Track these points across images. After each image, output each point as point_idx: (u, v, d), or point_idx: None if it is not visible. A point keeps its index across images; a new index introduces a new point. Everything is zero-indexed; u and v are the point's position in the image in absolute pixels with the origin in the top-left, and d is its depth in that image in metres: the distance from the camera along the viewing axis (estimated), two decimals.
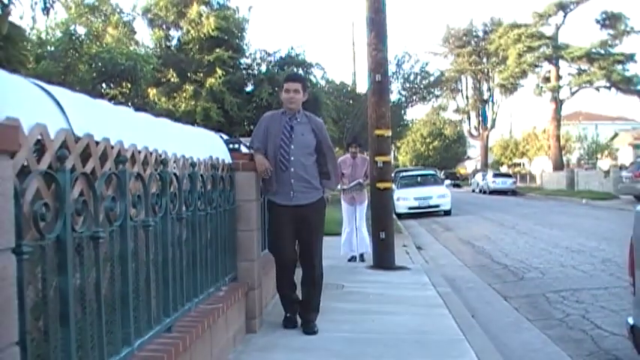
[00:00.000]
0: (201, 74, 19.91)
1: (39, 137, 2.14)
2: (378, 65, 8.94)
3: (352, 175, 9.28)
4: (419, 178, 24.73)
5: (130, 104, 15.49)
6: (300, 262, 5.19)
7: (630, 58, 43.48)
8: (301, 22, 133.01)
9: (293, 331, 5.04)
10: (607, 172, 32.43)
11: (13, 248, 1.79)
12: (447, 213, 21.58)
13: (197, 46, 19.94)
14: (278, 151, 4.95)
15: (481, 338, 4.97)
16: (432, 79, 33.23)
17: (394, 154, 56.68)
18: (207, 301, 4.00)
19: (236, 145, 5.00)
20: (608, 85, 44.31)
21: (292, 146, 4.96)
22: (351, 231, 9.42)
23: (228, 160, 4.73)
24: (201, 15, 19.71)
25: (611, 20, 43.62)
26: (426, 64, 32.43)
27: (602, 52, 43.93)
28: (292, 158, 4.95)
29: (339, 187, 8.84)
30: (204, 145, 4.33)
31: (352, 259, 9.45)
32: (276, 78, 19.21)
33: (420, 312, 5.91)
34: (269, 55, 21.44)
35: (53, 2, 8.63)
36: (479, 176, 46.02)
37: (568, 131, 50.18)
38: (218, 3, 20.59)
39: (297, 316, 5.17)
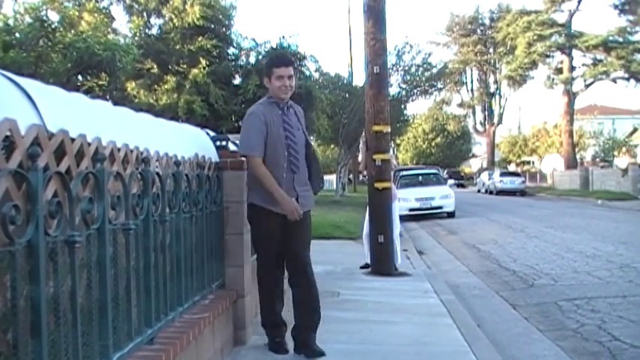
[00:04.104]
0: (185, 65, 19.90)
1: (8, 133, 2.13)
2: (377, 56, 8.94)
3: None
4: (420, 178, 24.80)
5: (108, 97, 15.46)
6: (293, 278, 4.76)
7: None
8: (293, 9, 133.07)
9: (286, 341, 5.02)
10: (625, 171, 32.60)
11: None
12: (451, 215, 21.63)
13: (179, 35, 19.92)
14: (286, 151, 4.60)
15: (488, 350, 4.98)
16: (434, 71, 33.24)
17: (394, 152, 56.78)
18: (193, 311, 3.99)
19: (224, 143, 4.98)
20: (626, 76, 44.47)
21: (295, 145, 4.67)
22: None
23: (215, 158, 4.72)
24: (185, 2, 19.69)
25: (630, 5, 43.49)
26: (429, 54, 32.43)
27: (621, 40, 44.00)
28: (299, 158, 4.69)
29: None
30: (189, 142, 4.32)
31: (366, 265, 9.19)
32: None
33: (421, 321, 5.92)
34: (258, 45, 21.45)
35: None
36: (485, 175, 46.22)
37: (582, 126, 50.36)
38: None
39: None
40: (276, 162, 4.55)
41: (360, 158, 9.97)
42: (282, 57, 5.09)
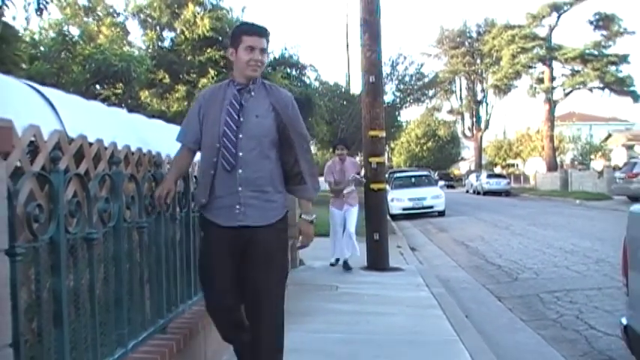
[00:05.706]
0: (194, 75, 19.89)
1: (32, 138, 2.14)
2: (372, 66, 8.95)
3: (343, 181, 8.54)
4: (413, 179, 24.75)
5: (123, 105, 15.45)
6: (249, 320, 3.26)
7: (623, 59, 43.74)
8: (295, 22, 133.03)
9: (287, 332, 5.02)
10: (600, 173, 32.54)
11: (7, 250, 1.79)
12: (441, 214, 21.59)
13: (190, 47, 19.92)
14: (220, 141, 3.12)
15: (475, 339, 4.98)
16: (426, 80, 33.28)
17: (388, 155, 56.72)
18: (201, 303, 3.99)
19: None
20: (601, 86, 44.50)
21: (241, 135, 3.13)
22: (339, 236, 8.74)
23: None
24: (195, 15, 19.68)
25: (604, 21, 43.86)
26: (421, 65, 32.49)
27: (596, 53, 44.14)
28: (241, 154, 3.12)
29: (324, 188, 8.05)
30: None
31: (336, 262, 8.86)
32: (269, 78, 19.20)
33: (414, 313, 5.92)
34: None
35: (47, 3, 8.61)
36: (473, 177, 46.12)
37: (561, 132, 50.52)
38: (211, 3, 20.57)
39: None
40: (204, 155, 3.26)
41: (328, 187, 9.27)
42: (254, 24, 3.31)
